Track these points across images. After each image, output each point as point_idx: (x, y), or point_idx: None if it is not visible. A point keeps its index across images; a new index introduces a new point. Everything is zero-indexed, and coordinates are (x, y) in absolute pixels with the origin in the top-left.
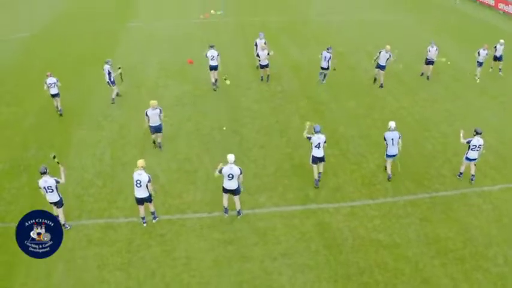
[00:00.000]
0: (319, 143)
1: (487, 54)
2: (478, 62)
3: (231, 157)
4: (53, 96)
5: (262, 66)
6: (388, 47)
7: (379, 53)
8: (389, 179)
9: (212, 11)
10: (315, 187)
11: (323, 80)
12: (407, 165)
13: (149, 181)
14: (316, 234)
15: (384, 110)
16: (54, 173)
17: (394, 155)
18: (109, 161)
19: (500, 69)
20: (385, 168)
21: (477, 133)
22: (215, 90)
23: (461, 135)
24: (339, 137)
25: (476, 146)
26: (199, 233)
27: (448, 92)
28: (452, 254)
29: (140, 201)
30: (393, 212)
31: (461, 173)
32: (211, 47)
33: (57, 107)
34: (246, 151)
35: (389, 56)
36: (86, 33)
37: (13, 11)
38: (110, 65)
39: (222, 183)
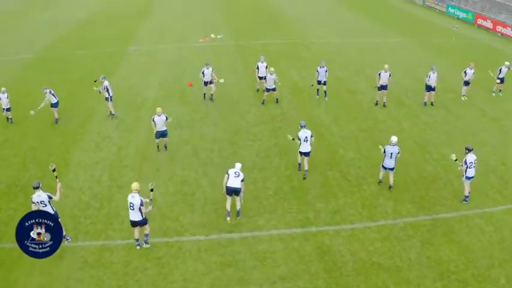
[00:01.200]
0: (306, 137)
1: (473, 73)
2: (464, 81)
3: (238, 165)
4: (57, 105)
5: (268, 90)
6: (386, 66)
7: (379, 74)
8: (380, 182)
9: (212, 35)
10: (303, 178)
11: (325, 97)
12: (408, 187)
13: (141, 205)
14: (316, 257)
15: (383, 132)
16: (50, 190)
17: (390, 168)
18: (107, 183)
19: (500, 90)
20: (380, 182)
21: (469, 150)
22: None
23: (453, 158)
24: (339, 159)
25: (472, 162)
26: (197, 255)
27: (448, 114)
28: (454, 276)
29: (134, 224)
30: (394, 234)
31: (467, 196)
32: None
33: (57, 120)
34: (245, 173)
35: (389, 74)
36: (86, 56)
37: (15, 32)
38: (105, 80)
39: (226, 184)
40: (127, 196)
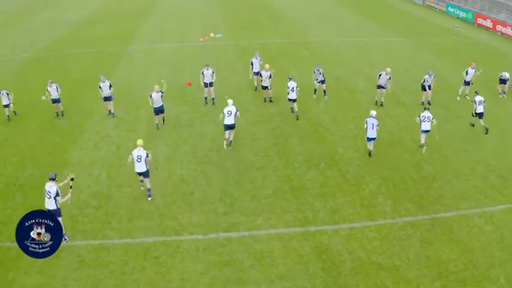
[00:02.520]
0: (292, 87)
1: (475, 73)
2: (465, 81)
3: (230, 101)
4: (58, 101)
5: (264, 88)
6: (388, 69)
7: (379, 75)
8: (370, 154)
9: (212, 34)
10: (296, 119)
11: (325, 96)
12: (407, 186)
13: (147, 156)
14: (315, 257)
15: (382, 132)
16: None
17: (373, 138)
18: (105, 182)
19: (500, 92)
20: (370, 154)
21: (425, 109)
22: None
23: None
24: (338, 159)
25: (426, 117)
26: (195, 255)
27: (448, 113)
28: (453, 276)
29: (140, 174)
30: (393, 233)
31: (423, 144)
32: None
33: (57, 113)
34: (244, 172)
35: (389, 77)
36: (86, 55)
37: (15, 32)
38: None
39: (223, 121)
40: (127, 195)
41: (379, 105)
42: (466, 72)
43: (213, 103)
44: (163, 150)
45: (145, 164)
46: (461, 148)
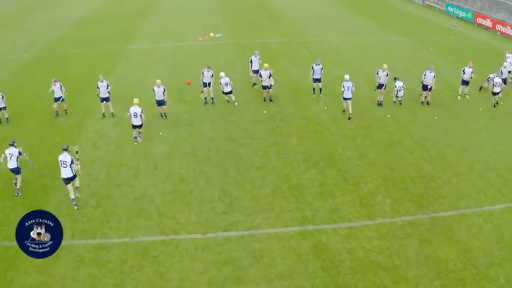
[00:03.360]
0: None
1: (472, 72)
2: (463, 80)
3: (222, 73)
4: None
5: (264, 87)
6: (385, 66)
7: (377, 73)
8: (349, 118)
9: (211, 34)
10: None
11: (320, 94)
12: (407, 185)
13: (142, 112)
14: (314, 256)
15: (382, 131)
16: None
17: (349, 98)
18: (104, 181)
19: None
20: (344, 111)
21: (396, 79)
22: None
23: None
24: (337, 158)
25: (400, 87)
26: (194, 254)
27: (447, 112)
28: (452, 275)
29: (135, 126)
30: (392, 232)
31: (400, 102)
32: (208, 67)
33: (57, 113)
34: (243, 172)
35: (387, 74)
36: (85, 55)
37: (15, 32)
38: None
39: (223, 90)
40: (125, 194)
41: (381, 107)
42: (463, 71)
43: (213, 103)
44: (163, 149)
45: (141, 118)
46: (461, 147)
